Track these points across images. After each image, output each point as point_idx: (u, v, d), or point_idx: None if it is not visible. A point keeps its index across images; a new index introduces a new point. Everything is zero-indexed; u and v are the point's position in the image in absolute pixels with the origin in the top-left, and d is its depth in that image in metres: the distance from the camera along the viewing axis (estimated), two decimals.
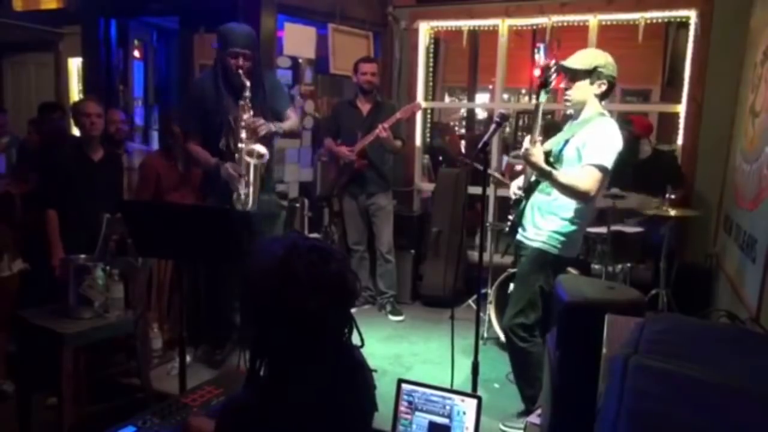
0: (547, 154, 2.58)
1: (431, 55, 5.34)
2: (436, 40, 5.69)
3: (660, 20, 4.56)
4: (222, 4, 4.28)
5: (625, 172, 3.73)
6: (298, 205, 4.52)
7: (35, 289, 3.31)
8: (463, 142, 7.93)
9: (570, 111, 2.77)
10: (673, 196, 3.61)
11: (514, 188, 2.83)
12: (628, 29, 4.51)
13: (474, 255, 3.83)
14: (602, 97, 2.61)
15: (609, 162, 2.48)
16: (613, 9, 4.47)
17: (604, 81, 2.56)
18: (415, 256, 4.75)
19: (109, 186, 3.42)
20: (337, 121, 4.42)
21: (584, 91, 2.58)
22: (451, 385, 2.60)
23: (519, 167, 5.17)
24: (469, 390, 2.45)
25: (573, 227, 2.64)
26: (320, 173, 5.03)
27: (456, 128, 9.25)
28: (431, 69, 5.38)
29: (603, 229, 3.61)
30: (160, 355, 3.48)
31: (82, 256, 2.86)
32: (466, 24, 5.00)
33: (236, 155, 3.14)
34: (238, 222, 2.83)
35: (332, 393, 1.27)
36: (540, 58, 2.79)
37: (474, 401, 1.89)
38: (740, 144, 3.56)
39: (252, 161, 3.11)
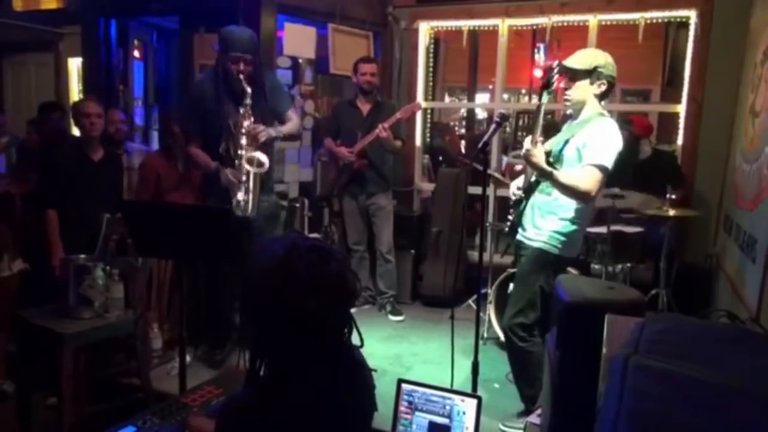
0: (547, 155, 2.58)
1: (431, 55, 5.34)
2: (436, 40, 5.69)
3: (660, 20, 4.56)
4: (222, 4, 4.28)
5: (625, 172, 3.73)
6: (298, 205, 4.52)
7: (35, 289, 3.31)
8: (463, 142, 7.93)
9: (569, 111, 2.77)
10: (673, 196, 3.61)
11: (514, 188, 2.84)
12: (628, 29, 4.51)
13: (474, 255, 3.83)
14: (602, 97, 2.62)
15: (609, 162, 2.49)
16: (613, 9, 4.47)
17: (604, 81, 2.56)
18: (415, 256, 4.75)
19: (109, 186, 3.41)
20: (337, 121, 4.42)
21: (584, 91, 2.58)
22: (451, 385, 2.60)
23: (519, 167, 5.18)
24: (469, 390, 2.45)
25: (574, 227, 2.64)
26: (320, 173, 5.03)
27: (456, 128, 9.25)
28: (431, 69, 5.38)
29: (603, 229, 3.61)
30: (160, 355, 3.48)
31: (82, 256, 2.86)
32: (466, 24, 5.00)
33: (236, 161, 3.12)
34: (237, 224, 2.83)
35: (332, 393, 1.27)
36: (540, 58, 2.80)
37: (474, 401, 1.89)
38: (740, 144, 3.56)
39: (252, 169, 3.10)
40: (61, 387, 2.65)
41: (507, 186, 3.28)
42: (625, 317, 1.46)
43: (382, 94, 4.52)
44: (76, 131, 3.65)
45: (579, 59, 2.57)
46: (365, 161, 4.23)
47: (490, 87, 6.87)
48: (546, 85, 2.56)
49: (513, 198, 2.83)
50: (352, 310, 1.32)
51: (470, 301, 4.39)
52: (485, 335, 3.82)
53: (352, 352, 1.35)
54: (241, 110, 3.10)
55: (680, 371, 0.96)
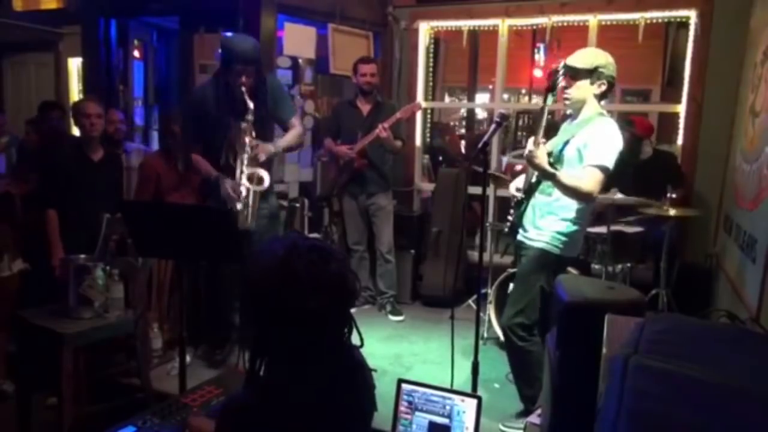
0: (548, 155, 2.58)
1: (431, 55, 5.34)
2: (436, 40, 5.69)
3: (660, 20, 4.56)
4: (222, 4, 4.28)
5: (626, 173, 3.73)
6: (298, 205, 4.52)
7: (35, 289, 3.31)
8: (463, 142, 7.93)
9: (569, 111, 2.77)
10: (673, 196, 3.61)
11: (513, 189, 2.84)
12: (628, 29, 4.51)
13: (474, 255, 3.83)
14: (601, 97, 2.62)
15: (610, 162, 2.49)
16: (613, 9, 4.47)
17: (604, 81, 2.56)
18: (415, 256, 4.75)
19: (109, 186, 3.41)
20: (337, 121, 4.42)
21: (584, 91, 2.59)
22: (451, 385, 2.60)
23: (519, 167, 5.18)
24: (469, 390, 2.45)
25: (575, 227, 2.65)
26: (320, 173, 5.03)
27: (456, 128, 9.25)
28: (431, 69, 5.37)
29: (603, 229, 3.61)
30: (160, 355, 3.48)
31: (82, 256, 2.86)
32: (466, 24, 5.00)
33: (237, 173, 3.08)
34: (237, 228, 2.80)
35: (332, 393, 1.27)
36: (540, 58, 2.81)
37: (474, 401, 1.89)
38: (740, 144, 3.56)
39: (252, 187, 3.06)
40: (61, 387, 2.65)
41: (507, 185, 3.28)
42: (625, 317, 1.46)
43: (382, 94, 4.51)
44: (76, 131, 3.65)
45: (580, 58, 2.57)
46: (365, 161, 4.23)
47: (490, 87, 6.87)
48: (551, 87, 2.57)
49: (514, 199, 2.83)
50: (352, 310, 1.32)
51: (470, 301, 4.38)
52: (485, 335, 3.82)
53: (352, 352, 1.35)
54: (243, 125, 3.05)
55: (680, 371, 0.96)
